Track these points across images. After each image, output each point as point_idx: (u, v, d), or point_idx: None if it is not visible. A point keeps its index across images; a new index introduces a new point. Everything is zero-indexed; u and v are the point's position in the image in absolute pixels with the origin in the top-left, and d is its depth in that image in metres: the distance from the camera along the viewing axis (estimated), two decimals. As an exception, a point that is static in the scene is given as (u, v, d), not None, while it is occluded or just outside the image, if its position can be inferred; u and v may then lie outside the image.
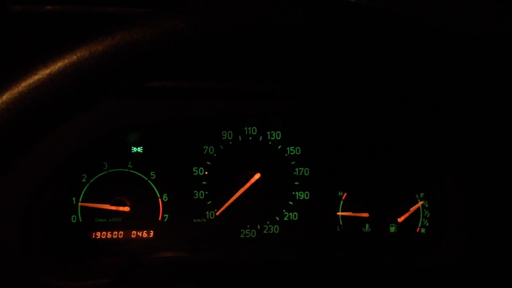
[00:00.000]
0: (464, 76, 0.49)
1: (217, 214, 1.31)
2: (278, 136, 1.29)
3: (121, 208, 1.27)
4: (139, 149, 1.27)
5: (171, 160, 1.28)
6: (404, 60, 0.49)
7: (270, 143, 1.29)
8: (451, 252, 1.21)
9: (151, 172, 1.28)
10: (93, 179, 1.26)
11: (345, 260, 1.21)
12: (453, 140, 1.06)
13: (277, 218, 1.33)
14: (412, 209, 1.31)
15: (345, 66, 0.53)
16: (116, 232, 1.29)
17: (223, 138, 1.28)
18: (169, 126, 1.25)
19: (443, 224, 1.27)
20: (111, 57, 0.47)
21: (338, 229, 1.34)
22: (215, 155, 1.28)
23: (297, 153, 1.30)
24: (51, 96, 0.46)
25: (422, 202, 1.32)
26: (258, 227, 1.33)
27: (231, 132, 1.28)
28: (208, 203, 1.30)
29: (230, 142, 1.28)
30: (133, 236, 1.29)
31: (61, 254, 1.17)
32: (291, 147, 1.30)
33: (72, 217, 1.26)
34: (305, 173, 1.31)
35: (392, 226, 1.33)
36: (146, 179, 1.28)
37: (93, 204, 1.26)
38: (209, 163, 1.29)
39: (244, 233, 1.33)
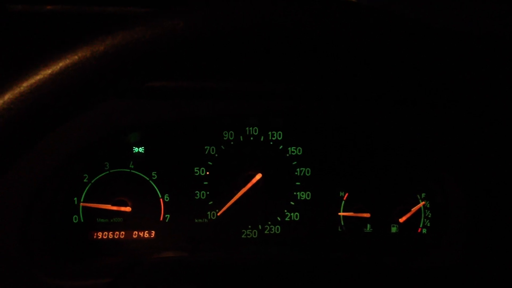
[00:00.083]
0: (464, 76, 0.49)
1: (218, 214, 1.31)
2: (279, 136, 1.29)
3: (123, 208, 1.27)
4: (141, 149, 1.27)
5: (172, 160, 1.28)
6: (404, 60, 0.49)
7: (271, 143, 1.29)
8: (451, 252, 1.21)
9: (153, 172, 1.28)
10: (94, 179, 1.26)
11: (346, 260, 1.21)
12: (453, 140, 1.06)
13: (279, 218, 1.33)
14: (414, 209, 1.31)
15: (345, 66, 0.53)
16: (117, 232, 1.29)
17: (225, 138, 1.28)
18: (170, 126, 1.25)
19: (443, 224, 1.27)
20: (112, 56, 0.47)
21: (339, 229, 1.34)
22: (216, 155, 1.29)
23: (298, 153, 1.30)
24: (52, 96, 0.46)
25: (423, 202, 1.32)
26: (260, 227, 1.33)
27: (232, 132, 1.28)
28: (210, 203, 1.30)
29: (232, 142, 1.28)
30: (134, 236, 1.30)
31: (62, 254, 1.17)
32: (292, 147, 1.30)
33: (74, 217, 1.26)
34: (306, 173, 1.31)
35: (393, 226, 1.33)
36: (148, 179, 1.28)
37: (95, 204, 1.26)
38: (211, 163, 1.29)
39: (245, 233, 1.33)
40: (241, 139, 1.28)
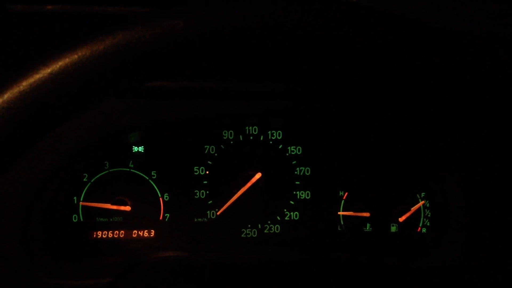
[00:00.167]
0: (464, 76, 0.49)
1: (218, 213, 1.31)
2: (279, 136, 1.29)
3: (122, 208, 1.27)
4: (140, 149, 1.27)
5: (172, 159, 1.28)
6: (404, 60, 0.49)
7: (271, 142, 1.29)
8: (451, 251, 1.21)
9: (152, 172, 1.28)
10: (94, 179, 1.26)
11: (346, 260, 1.21)
12: (453, 140, 1.06)
13: (278, 218, 1.33)
14: (413, 208, 1.31)
15: (345, 66, 0.52)
16: (117, 232, 1.29)
17: (224, 138, 1.28)
18: (170, 125, 1.25)
19: (443, 224, 1.27)
20: (112, 56, 0.47)
21: (339, 229, 1.34)
22: (216, 154, 1.29)
23: (298, 153, 1.30)
24: (52, 96, 0.46)
25: (423, 201, 1.32)
26: (259, 227, 1.33)
27: (232, 131, 1.28)
28: (209, 202, 1.30)
29: (231, 142, 1.28)
30: (134, 236, 1.30)
31: (62, 253, 1.17)
32: (292, 147, 1.30)
33: (73, 216, 1.27)
34: (306, 173, 1.31)
35: (393, 225, 1.33)
36: (147, 178, 1.28)
37: (94, 204, 1.26)
38: (210, 163, 1.29)
39: (245, 232, 1.33)
40: (241, 139, 1.28)
